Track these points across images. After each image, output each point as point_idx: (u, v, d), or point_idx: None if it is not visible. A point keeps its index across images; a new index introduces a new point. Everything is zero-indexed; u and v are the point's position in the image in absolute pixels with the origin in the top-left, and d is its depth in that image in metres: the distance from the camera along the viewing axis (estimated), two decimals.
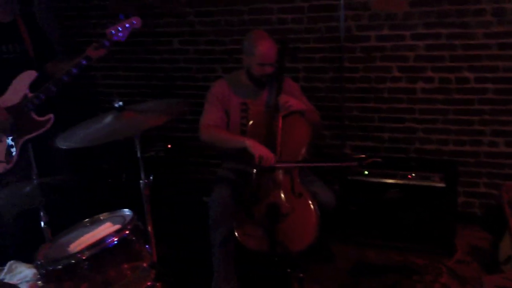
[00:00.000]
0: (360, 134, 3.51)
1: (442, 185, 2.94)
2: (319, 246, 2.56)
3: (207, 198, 2.71)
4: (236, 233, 2.42)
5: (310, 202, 2.42)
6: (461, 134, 3.26)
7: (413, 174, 3.02)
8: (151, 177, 2.01)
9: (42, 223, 2.08)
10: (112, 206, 2.09)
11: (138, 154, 1.98)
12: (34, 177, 2.07)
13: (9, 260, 2.33)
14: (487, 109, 3.15)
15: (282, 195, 2.44)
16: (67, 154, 2.95)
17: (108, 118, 1.90)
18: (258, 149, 2.41)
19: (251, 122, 2.59)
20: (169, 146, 3.72)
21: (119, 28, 2.68)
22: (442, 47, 3.15)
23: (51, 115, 2.80)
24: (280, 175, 2.48)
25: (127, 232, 1.79)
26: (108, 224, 1.87)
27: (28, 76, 2.72)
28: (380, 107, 3.41)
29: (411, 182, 3.01)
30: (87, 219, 2.00)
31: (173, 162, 3.79)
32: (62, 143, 1.86)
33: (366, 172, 3.09)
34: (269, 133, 2.50)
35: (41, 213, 2.08)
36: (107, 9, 3.93)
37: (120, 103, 1.90)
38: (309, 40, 3.44)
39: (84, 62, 2.70)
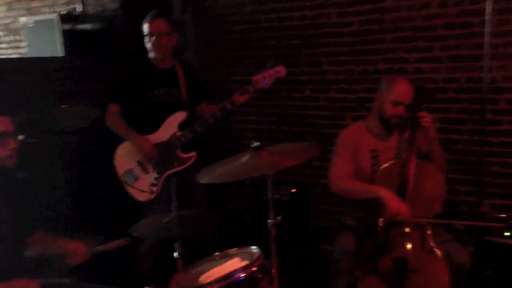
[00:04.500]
0: (501, 192, 3.21)
1: None
2: None
3: (327, 246, 2.67)
4: (358, 286, 2.33)
5: (441, 260, 2.26)
6: None
7: None
8: (279, 218, 2.06)
9: (176, 253, 2.20)
10: (236, 244, 2.15)
11: (269, 195, 2.04)
12: (173, 210, 2.21)
13: (142, 285, 2.50)
14: None
15: (411, 250, 2.30)
16: (202, 191, 3.15)
17: (245, 157, 2.00)
18: (394, 202, 2.34)
19: (380, 170, 2.53)
20: (294, 190, 3.77)
21: (265, 76, 2.84)
22: None
23: (194, 153, 3.02)
24: (410, 228, 2.36)
25: (254, 269, 1.83)
26: (236, 259, 1.93)
27: (178, 117, 2.97)
28: None
29: None
30: (217, 253, 2.09)
31: (296, 206, 3.81)
32: (203, 178, 2.00)
33: (507, 234, 2.79)
34: (400, 182, 2.41)
35: (176, 244, 2.21)
36: (245, 58, 4.21)
37: (257, 143, 2.00)
38: (447, 90, 3.31)
39: (228, 106, 2.89)
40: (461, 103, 3.28)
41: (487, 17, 3.08)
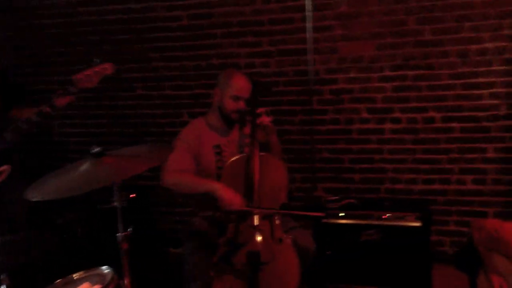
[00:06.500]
0: (331, 176, 3.49)
1: (418, 224, 2.92)
2: None
3: (176, 249, 2.56)
4: (215, 285, 2.27)
5: (290, 248, 2.32)
6: (430, 173, 3.31)
7: (388, 215, 3.00)
8: (130, 229, 1.86)
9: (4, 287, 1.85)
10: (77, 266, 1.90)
11: (117, 204, 1.84)
12: None
13: None
14: (454, 147, 3.23)
15: (262, 242, 2.32)
16: (24, 209, 2.72)
17: (84, 166, 1.74)
18: (227, 193, 2.32)
19: (226, 166, 2.50)
20: (133, 195, 3.53)
21: (88, 73, 2.54)
22: (408, 88, 3.24)
23: (6, 167, 2.57)
24: (258, 220, 2.37)
25: None
26: (85, 285, 1.68)
27: None
28: (350, 148, 3.42)
29: (387, 223, 2.97)
30: (59, 280, 1.79)
31: (137, 212, 3.59)
32: (33, 196, 1.68)
33: (342, 214, 3.04)
34: (246, 176, 2.41)
35: (1, 276, 1.85)
36: (64, 56, 3.80)
37: (98, 148, 1.76)
38: (278, 83, 3.44)
39: (47, 110, 2.53)
40: (291, 95, 3.46)
41: (308, 13, 3.29)
